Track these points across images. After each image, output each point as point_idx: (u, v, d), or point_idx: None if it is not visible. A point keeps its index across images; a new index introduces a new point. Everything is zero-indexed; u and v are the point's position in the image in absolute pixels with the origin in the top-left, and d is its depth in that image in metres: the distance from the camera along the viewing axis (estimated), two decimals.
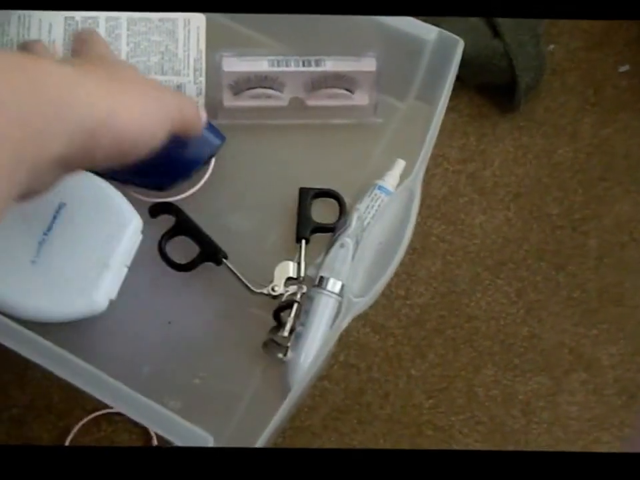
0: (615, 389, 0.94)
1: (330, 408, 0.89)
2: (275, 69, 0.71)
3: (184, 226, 0.69)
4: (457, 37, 0.68)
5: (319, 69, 0.71)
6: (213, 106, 0.71)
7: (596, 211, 1.00)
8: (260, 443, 0.54)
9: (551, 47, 1.05)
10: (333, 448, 0.86)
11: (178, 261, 0.68)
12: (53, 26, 0.70)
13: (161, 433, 0.54)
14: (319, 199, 0.72)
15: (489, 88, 1.02)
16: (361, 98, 0.73)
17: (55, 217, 0.63)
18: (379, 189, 0.70)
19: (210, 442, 0.53)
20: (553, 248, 0.98)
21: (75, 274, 0.62)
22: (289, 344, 0.65)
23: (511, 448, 0.91)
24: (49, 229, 0.63)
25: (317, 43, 0.72)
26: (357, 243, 0.66)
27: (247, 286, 0.67)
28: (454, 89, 0.69)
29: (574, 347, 0.95)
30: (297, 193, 0.71)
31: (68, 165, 0.46)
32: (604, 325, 0.96)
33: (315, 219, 0.70)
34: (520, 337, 0.95)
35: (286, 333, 0.65)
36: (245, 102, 0.71)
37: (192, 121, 0.58)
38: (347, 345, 0.90)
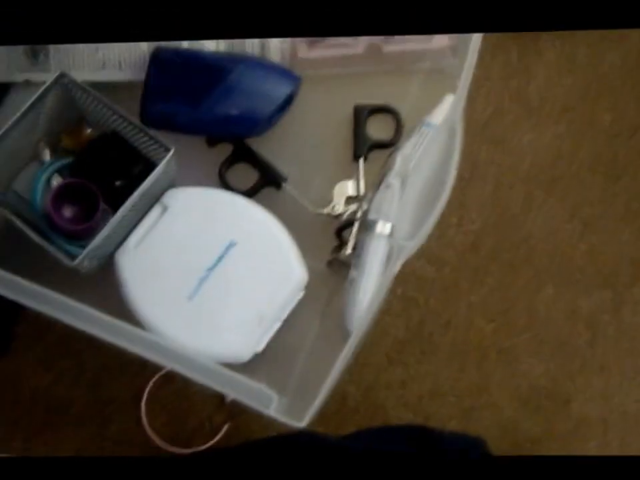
0: None
1: (392, 341, 0.89)
2: None
3: (243, 153, 0.68)
4: None
5: None
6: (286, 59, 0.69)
7: None
8: (322, 392, 0.55)
9: None
10: None
11: (238, 188, 0.68)
12: None
13: (227, 392, 0.55)
14: (373, 115, 0.71)
15: None
16: (440, 39, 0.70)
17: (222, 256, 0.60)
18: (426, 125, 0.68)
19: (273, 398, 0.54)
20: (608, 159, 0.95)
21: (227, 320, 0.60)
22: (352, 261, 0.65)
23: (577, 364, 0.91)
24: (214, 266, 0.60)
25: None
26: (403, 183, 0.65)
27: (307, 208, 0.67)
28: None
29: (635, 258, 0.93)
30: (351, 111, 0.70)
31: None
32: None
33: (371, 137, 0.70)
34: (578, 253, 0.93)
35: (349, 250, 0.65)
36: (319, 52, 0.69)
37: None
38: (404, 278, 0.90)
